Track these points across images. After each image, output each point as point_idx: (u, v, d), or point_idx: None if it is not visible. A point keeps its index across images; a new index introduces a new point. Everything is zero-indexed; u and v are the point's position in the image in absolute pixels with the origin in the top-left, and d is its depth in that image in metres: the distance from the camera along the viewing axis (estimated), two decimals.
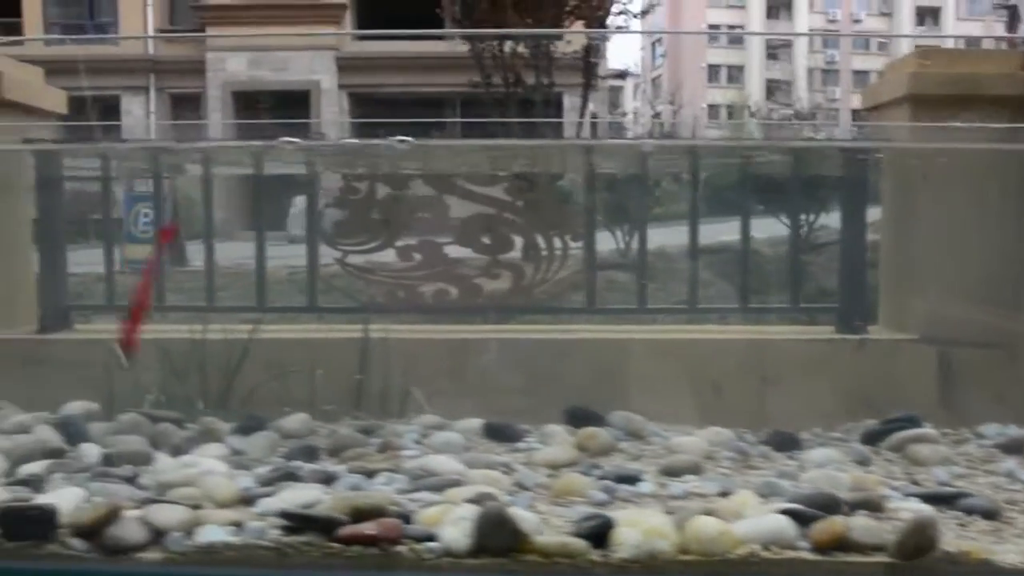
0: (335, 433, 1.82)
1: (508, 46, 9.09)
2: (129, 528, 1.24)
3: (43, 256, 2.70)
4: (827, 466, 1.61)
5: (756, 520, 1.31)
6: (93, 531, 1.23)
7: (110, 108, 16.68)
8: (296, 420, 1.85)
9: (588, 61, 10.47)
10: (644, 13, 10.37)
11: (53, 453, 1.60)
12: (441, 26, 18.73)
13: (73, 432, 1.71)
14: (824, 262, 4.53)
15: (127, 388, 2.02)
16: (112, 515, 1.25)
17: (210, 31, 17.95)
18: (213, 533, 1.25)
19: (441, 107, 16.52)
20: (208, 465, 1.54)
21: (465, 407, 1.98)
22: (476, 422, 1.88)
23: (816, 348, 2.36)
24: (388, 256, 2.36)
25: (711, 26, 33.95)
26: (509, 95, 9.14)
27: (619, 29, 9.92)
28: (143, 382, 2.07)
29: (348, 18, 17.72)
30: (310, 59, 17.51)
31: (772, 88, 34.01)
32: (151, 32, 18.55)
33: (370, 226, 2.39)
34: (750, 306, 2.56)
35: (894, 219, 2.51)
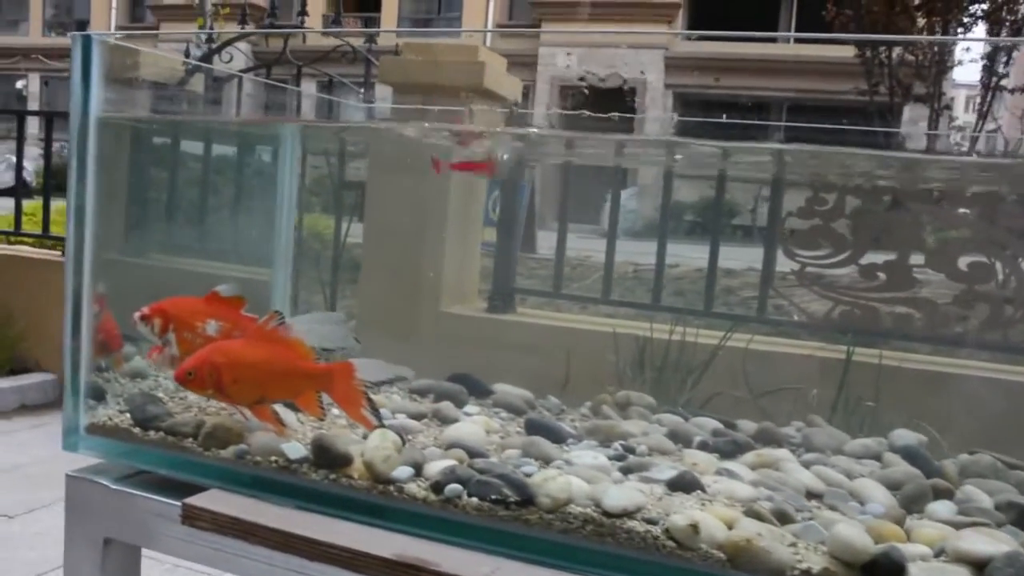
0: None
1: (897, 52, 8.73)
2: None
3: (498, 239, 2.96)
4: None
5: None
6: None
7: None
8: None
9: (940, 68, 9.86)
10: None
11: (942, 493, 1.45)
12: (776, 28, 18.30)
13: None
14: None
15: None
16: None
17: (544, 27, 18.69)
18: None
19: (767, 112, 16.18)
20: None
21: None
22: None
23: None
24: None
25: None
26: (894, 104, 8.79)
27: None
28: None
29: (680, 17, 17.79)
30: (638, 56, 17.75)
31: None
32: (491, 27, 19.62)
33: (835, 239, 2.36)
34: None
35: None
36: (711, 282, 2.80)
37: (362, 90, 5.28)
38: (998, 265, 2.27)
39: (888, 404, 2.13)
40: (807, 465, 1.54)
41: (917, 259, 2.31)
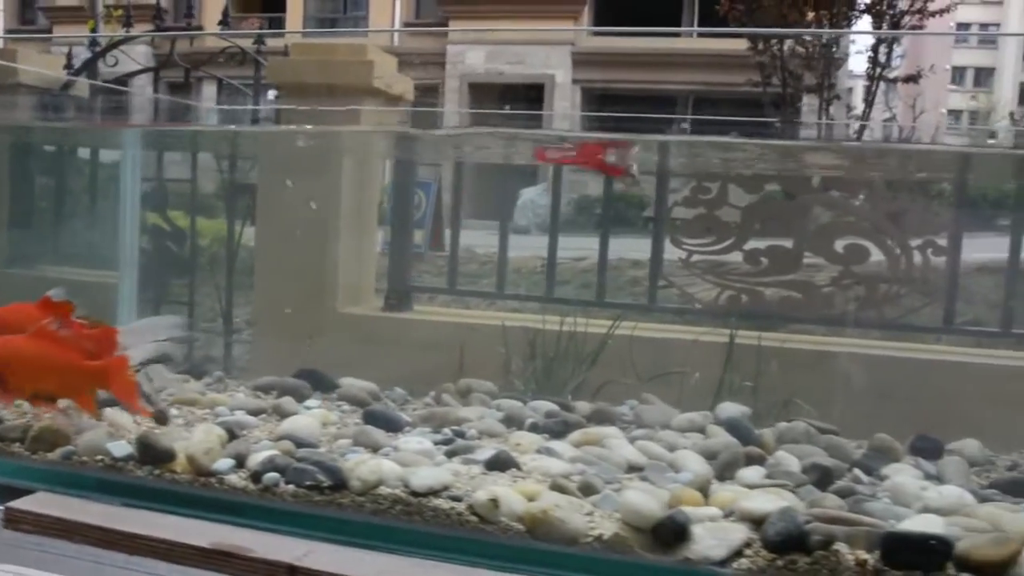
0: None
1: (788, 45, 9.01)
2: None
3: (392, 238, 2.98)
4: None
5: None
6: (989, 568, 1.13)
7: None
8: (972, 446, 1.73)
9: (829, 59, 10.22)
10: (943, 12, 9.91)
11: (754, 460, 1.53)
12: (679, 23, 18.62)
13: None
14: None
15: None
16: (1018, 554, 1.14)
17: (452, 25, 18.70)
18: None
19: (673, 105, 16.47)
20: (954, 492, 1.42)
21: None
22: None
23: None
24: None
25: (960, 25, 31.75)
26: (785, 95, 9.06)
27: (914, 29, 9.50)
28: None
29: (586, 14, 17.96)
30: (546, 53, 17.88)
31: None
32: (398, 25, 19.52)
33: (719, 227, 2.42)
34: None
35: None
36: (601, 273, 2.85)
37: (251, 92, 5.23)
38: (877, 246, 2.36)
39: (769, 383, 2.20)
40: (634, 441, 1.62)
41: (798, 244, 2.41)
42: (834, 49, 10.56)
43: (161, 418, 1.54)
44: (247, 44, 5.15)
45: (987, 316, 2.72)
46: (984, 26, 32.91)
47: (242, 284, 3.20)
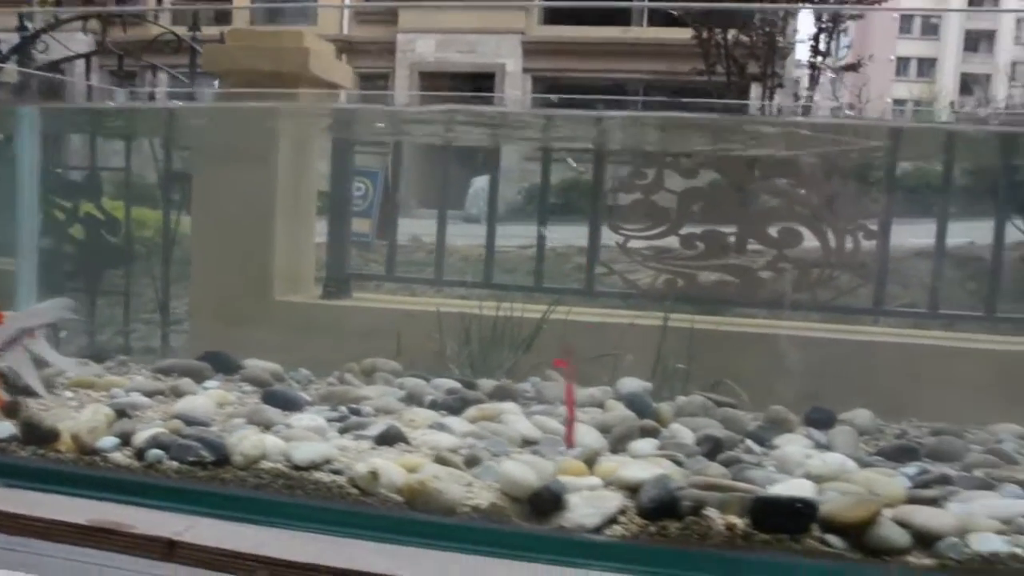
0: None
1: (732, 33, 9.11)
2: (890, 529, 1.18)
3: (330, 225, 2.96)
4: None
5: None
6: (852, 529, 1.18)
7: None
8: (863, 416, 1.79)
9: (772, 48, 10.36)
10: None
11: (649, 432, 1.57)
12: (629, 14, 18.68)
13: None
14: None
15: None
16: (876, 514, 1.19)
17: (402, 13, 18.58)
18: (992, 542, 1.17)
19: (624, 94, 16.54)
20: (836, 459, 1.46)
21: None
22: None
23: None
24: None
25: (903, 15, 32.26)
26: (730, 84, 9.16)
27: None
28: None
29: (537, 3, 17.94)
30: (496, 42, 17.87)
31: (968, 83, 32.06)
32: (346, 13, 19.36)
33: (655, 213, 2.44)
34: None
35: None
36: (539, 259, 2.86)
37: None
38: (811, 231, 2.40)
39: (703, 364, 2.24)
40: (531, 416, 1.65)
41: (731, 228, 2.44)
42: (779, 39, 10.70)
43: (12, 408, 1.49)
44: (182, 31, 5.07)
45: (923, 299, 2.79)
46: (926, 17, 33.49)
47: (181, 274, 3.18)
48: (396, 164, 3.16)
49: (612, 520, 1.21)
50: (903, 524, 1.21)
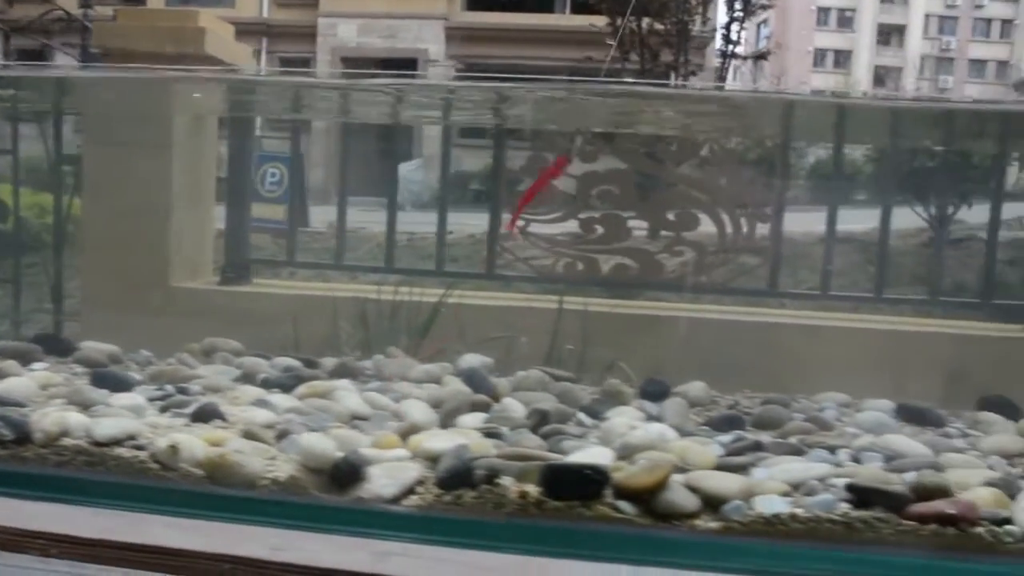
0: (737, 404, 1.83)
1: (646, 22, 9.20)
2: (680, 493, 1.22)
3: (229, 210, 2.92)
4: None
5: None
6: (642, 495, 1.22)
7: None
8: (697, 388, 1.84)
9: (684, 36, 10.53)
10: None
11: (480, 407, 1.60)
12: (551, 1, 18.71)
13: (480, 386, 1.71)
14: None
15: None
16: (665, 479, 1.23)
17: None
18: (774, 504, 1.22)
19: (548, 81, 16.57)
20: (657, 429, 1.51)
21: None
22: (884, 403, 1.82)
23: None
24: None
25: (821, 8, 33.04)
26: (645, 71, 9.25)
27: None
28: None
29: None
30: (419, 27, 17.77)
31: (881, 75, 33.01)
32: None
33: (555, 197, 2.44)
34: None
35: None
36: (441, 244, 2.86)
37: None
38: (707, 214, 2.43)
39: (598, 346, 2.26)
40: (364, 392, 1.66)
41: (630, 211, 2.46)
42: (691, 27, 10.86)
43: None
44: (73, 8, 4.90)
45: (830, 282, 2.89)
46: (841, 10, 34.36)
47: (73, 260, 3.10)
48: (301, 146, 3.14)
49: (410, 491, 1.23)
50: (694, 489, 1.26)
